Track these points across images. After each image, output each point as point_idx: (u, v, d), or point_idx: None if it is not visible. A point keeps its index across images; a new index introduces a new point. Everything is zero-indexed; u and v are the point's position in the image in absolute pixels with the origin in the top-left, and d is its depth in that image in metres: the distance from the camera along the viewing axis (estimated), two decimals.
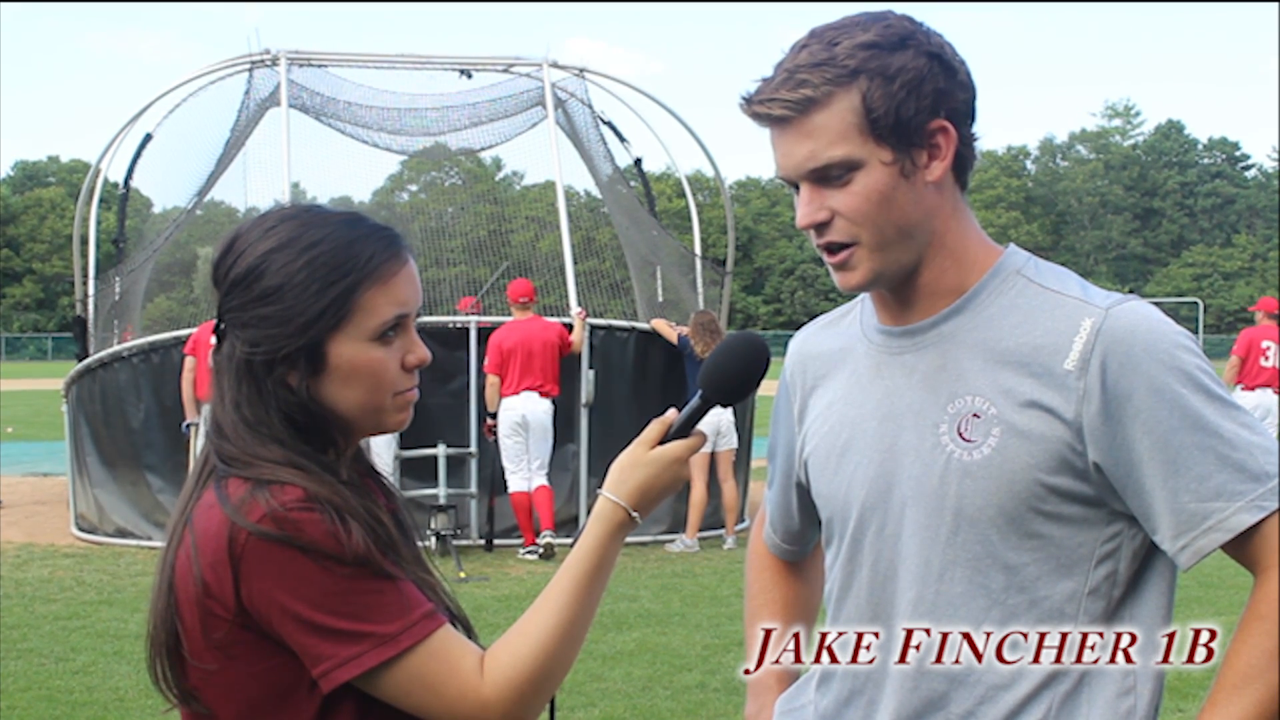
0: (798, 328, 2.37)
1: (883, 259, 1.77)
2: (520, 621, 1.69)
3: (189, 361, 10.44)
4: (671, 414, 1.81)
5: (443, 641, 1.63)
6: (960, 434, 1.76)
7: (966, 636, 1.77)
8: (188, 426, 10.59)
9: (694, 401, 1.80)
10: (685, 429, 1.79)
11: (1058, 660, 1.75)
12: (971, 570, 1.76)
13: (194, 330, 10.74)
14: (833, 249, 1.77)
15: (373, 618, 1.59)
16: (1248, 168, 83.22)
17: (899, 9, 1.79)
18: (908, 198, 1.74)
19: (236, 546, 1.59)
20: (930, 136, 1.74)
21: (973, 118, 1.79)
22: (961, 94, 1.76)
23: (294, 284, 1.68)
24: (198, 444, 10.39)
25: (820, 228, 1.76)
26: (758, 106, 1.76)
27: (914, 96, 1.71)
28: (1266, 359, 13.60)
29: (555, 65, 13.35)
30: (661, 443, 1.78)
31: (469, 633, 1.77)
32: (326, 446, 1.72)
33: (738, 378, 1.81)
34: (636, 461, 1.76)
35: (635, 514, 1.74)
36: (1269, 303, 14.00)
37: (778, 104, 1.74)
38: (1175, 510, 1.69)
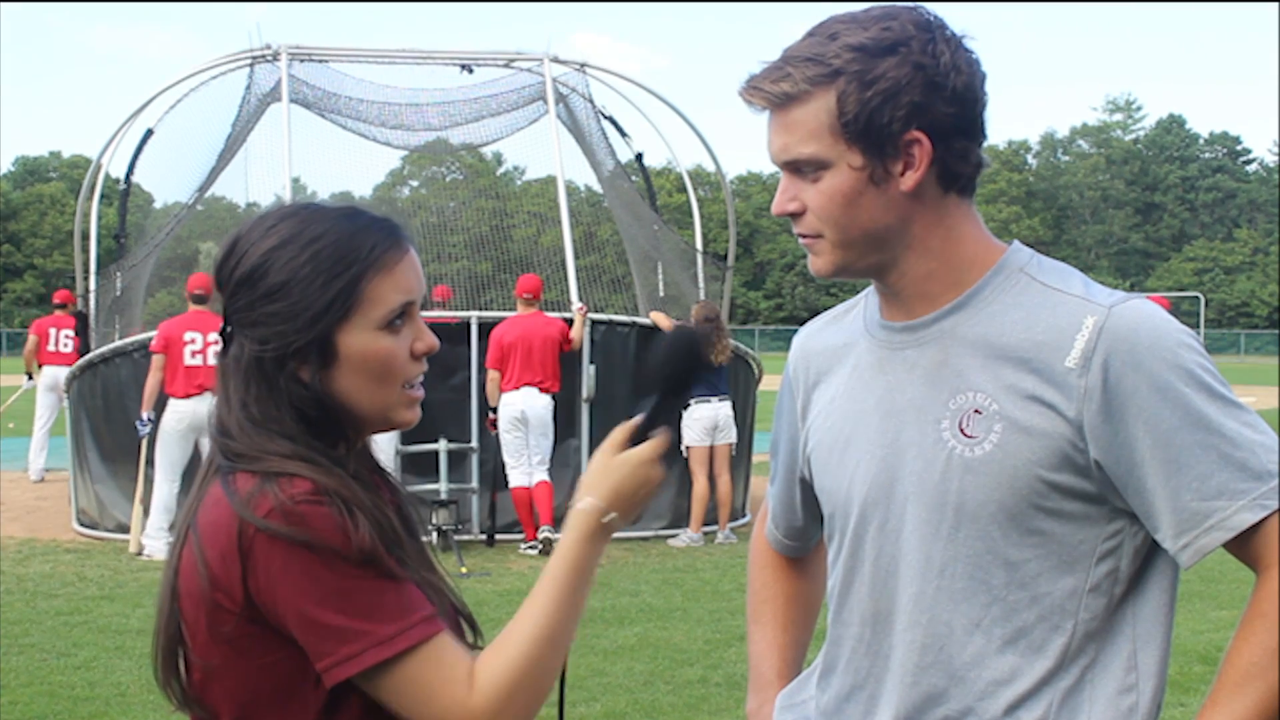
0: (799, 323, 2.39)
1: (846, 255, 1.80)
2: (505, 630, 1.69)
3: (157, 360, 10.30)
4: (637, 419, 1.82)
5: (439, 647, 1.63)
6: (962, 430, 1.76)
7: (967, 632, 1.77)
8: (145, 423, 10.52)
9: (649, 403, 1.82)
10: (647, 431, 1.79)
11: (1059, 657, 1.75)
12: (973, 566, 1.76)
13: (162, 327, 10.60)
14: (804, 235, 1.81)
15: (373, 617, 1.59)
16: (1249, 162, 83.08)
17: (924, 7, 1.77)
18: (875, 203, 1.75)
19: (245, 540, 1.60)
20: (905, 147, 1.74)
21: (965, 131, 1.76)
22: (946, 109, 1.73)
23: (299, 278, 1.69)
24: (204, 442, 10.29)
25: (793, 217, 1.80)
26: (745, 93, 1.79)
27: (889, 105, 1.71)
28: None
29: (556, 60, 13.35)
30: (630, 447, 1.79)
31: (473, 627, 1.78)
32: (336, 441, 1.72)
33: (677, 369, 1.83)
34: (606, 467, 1.76)
35: (612, 516, 1.73)
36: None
37: (760, 94, 1.77)
38: (1177, 509, 1.69)
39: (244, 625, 1.62)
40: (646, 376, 1.99)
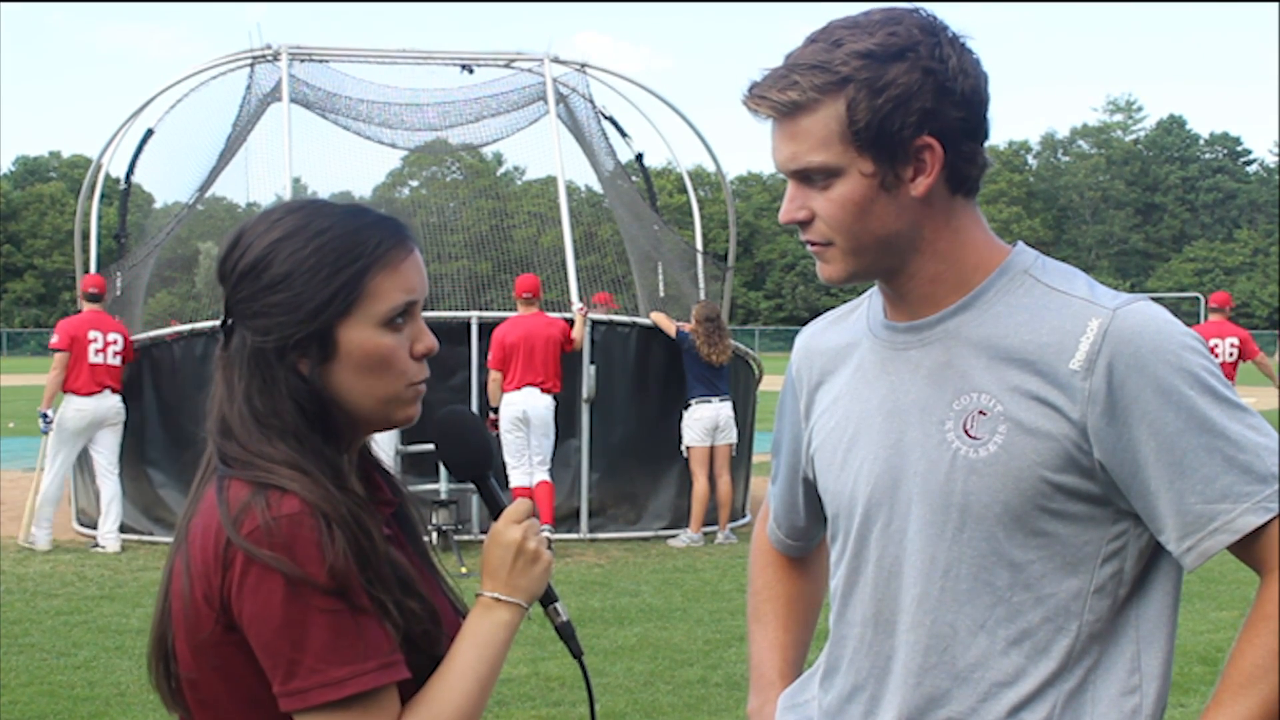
0: (799, 323, 2.39)
1: (858, 262, 1.79)
2: (422, 695, 1.67)
3: (60, 357, 10.33)
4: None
5: (382, 700, 1.61)
6: (966, 431, 1.75)
7: (970, 634, 1.77)
8: (48, 419, 10.54)
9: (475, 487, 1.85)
10: (493, 510, 1.82)
11: (1063, 659, 1.75)
12: (977, 567, 1.76)
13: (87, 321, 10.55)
14: (814, 243, 1.80)
15: (328, 657, 1.58)
16: (1249, 163, 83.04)
17: (925, 9, 1.76)
18: (887, 209, 1.75)
19: (229, 551, 1.60)
20: (917, 153, 1.73)
21: (972, 134, 1.76)
22: (955, 112, 1.73)
23: (303, 270, 1.68)
24: (100, 436, 10.25)
25: (802, 225, 1.79)
26: (749, 101, 1.77)
27: (900, 112, 1.70)
28: (1215, 355, 13.71)
29: (557, 60, 13.35)
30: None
31: None
32: (332, 439, 1.71)
33: (467, 455, 1.86)
34: (482, 553, 1.79)
35: (494, 594, 1.74)
36: (1221, 297, 14.03)
37: (766, 103, 1.75)
38: (1181, 512, 1.69)
39: (220, 632, 1.62)
40: (454, 466, 2.00)
